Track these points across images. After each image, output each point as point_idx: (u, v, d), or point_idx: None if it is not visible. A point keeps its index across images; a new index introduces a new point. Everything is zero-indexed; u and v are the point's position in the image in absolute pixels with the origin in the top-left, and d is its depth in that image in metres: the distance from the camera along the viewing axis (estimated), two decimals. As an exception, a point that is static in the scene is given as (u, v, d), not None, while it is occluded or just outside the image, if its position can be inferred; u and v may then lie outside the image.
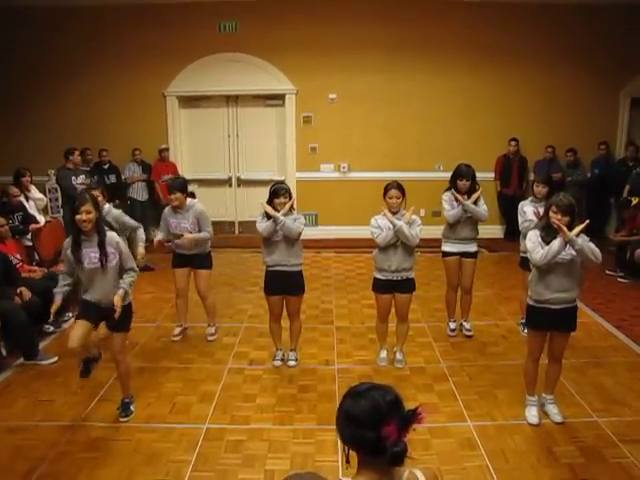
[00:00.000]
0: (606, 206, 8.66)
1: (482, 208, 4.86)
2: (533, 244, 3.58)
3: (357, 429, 1.55)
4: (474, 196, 4.83)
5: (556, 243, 3.45)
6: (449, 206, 4.89)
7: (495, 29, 8.43)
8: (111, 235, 3.66)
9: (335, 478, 2.92)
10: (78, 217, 3.52)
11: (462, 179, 4.79)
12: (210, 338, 5.20)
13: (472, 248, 5.01)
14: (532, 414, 3.81)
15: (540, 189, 4.65)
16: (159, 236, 5.08)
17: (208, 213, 5.07)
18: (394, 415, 1.53)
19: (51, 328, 5.34)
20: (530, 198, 4.84)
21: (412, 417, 1.55)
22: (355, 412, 1.56)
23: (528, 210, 4.65)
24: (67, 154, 7.50)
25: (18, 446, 3.55)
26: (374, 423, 1.52)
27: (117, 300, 3.55)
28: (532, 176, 8.67)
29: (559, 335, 3.70)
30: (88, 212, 3.53)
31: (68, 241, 3.67)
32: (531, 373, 3.83)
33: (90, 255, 3.57)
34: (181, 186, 4.94)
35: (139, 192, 8.58)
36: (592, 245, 3.48)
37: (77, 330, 3.66)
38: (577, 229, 3.45)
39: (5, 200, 6.00)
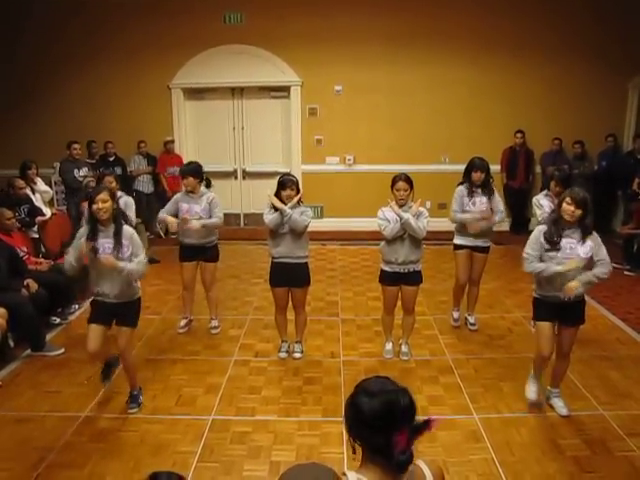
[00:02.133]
0: (613, 199, 8.61)
1: (498, 216, 4.82)
2: (528, 255, 3.60)
3: (367, 431, 1.53)
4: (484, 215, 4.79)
5: (551, 269, 3.49)
6: (458, 207, 4.84)
7: (500, 20, 8.35)
8: (126, 228, 3.68)
9: (340, 470, 2.93)
10: (95, 207, 3.54)
11: (477, 171, 4.75)
12: (214, 331, 5.21)
13: (484, 243, 4.96)
14: (531, 389, 3.81)
15: (558, 190, 4.50)
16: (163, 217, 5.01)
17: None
18: (406, 423, 1.52)
19: (57, 320, 5.36)
20: (545, 191, 4.81)
21: (423, 427, 1.54)
22: (367, 414, 1.52)
23: (545, 203, 4.62)
24: (68, 146, 7.52)
25: (26, 436, 3.58)
26: (385, 428, 1.50)
27: (109, 259, 3.53)
28: (539, 169, 8.65)
29: (566, 329, 3.69)
30: (104, 201, 3.55)
31: (82, 231, 3.66)
32: (539, 365, 3.81)
33: (105, 246, 3.58)
34: (194, 171, 4.91)
35: (145, 185, 8.59)
36: (598, 273, 3.48)
37: (92, 333, 3.71)
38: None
39: (11, 192, 6.01)
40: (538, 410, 3.85)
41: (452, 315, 5.27)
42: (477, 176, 4.77)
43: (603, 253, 3.49)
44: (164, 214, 4.98)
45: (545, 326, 3.69)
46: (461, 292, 5.19)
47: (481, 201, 4.81)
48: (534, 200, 4.88)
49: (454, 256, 5.08)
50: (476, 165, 4.78)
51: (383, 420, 1.51)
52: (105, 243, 3.59)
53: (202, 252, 5.04)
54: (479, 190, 4.80)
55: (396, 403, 1.52)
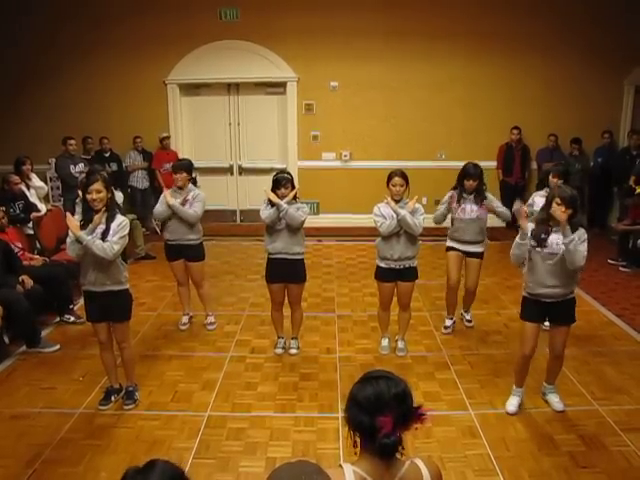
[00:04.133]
0: (609, 195, 8.63)
1: (503, 210, 4.80)
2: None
3: (357, 411, 1.58)
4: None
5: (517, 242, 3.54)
6: (442, 207, 4.77)
7: (496, 16, 8.33)
8: (119, 216, 3.65)
9: (336, 465, 2.93)
10: (88, 197, 3.52)
11: (469, 179, 4.64)
12: (210, 328, 5.20)
13: (478, 249, 4.85)
14: (511, 403, 3.81)
15: (556, 181, 4.55)
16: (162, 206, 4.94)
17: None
18: (394, 408, 1.54)
19: (72, 318, 5.29)
20: (546, 188, 4.77)
21: (411, 415, 1.56)
22: (359, 395, 1.60)
23: (538, 201, 4.54)
24: (63, 142, 7.50)
25: (21, 433, 3.57)
26: (372, 410, 1.54)
27: (72, 222, 3.52)
28: (534, 165, 8.66)
29: (557, 328, 3.69)
30: (98, 191, 3.52)
31: (77, 217, 3.68)
32: (520, 367, 3.80)
33: (97, 231, 3.57)
34: (187, 167, 4.92)
35: (139, 180, 8.56)
36: (581, 249, 3.39)
37: (97, 328, 3.79)
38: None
39: (6, 188, 5.97)
40: (534, 406, 3.86)
41: (444, 322, 5.14)
42: (469, 184, 4.66)
43: (582, 248, 3.42)
44: (160, 205, 4.93)
45: (530, 326, 3.69)
46: (454, 297, 5.06)
47: (471, 208, 4.71)
48: (532, 196, 4.87)
49: (446, 257, 5.00)
50: (469, 173, 4.65)
51: (370, 402, 1.56)
52: (97, 229, 3.57)
53: (186, 251, 5.00)
54: (471, 197, 4.71)
55: (386, 388, 1.57)
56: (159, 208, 4.92)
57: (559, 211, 3.38)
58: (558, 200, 3.40)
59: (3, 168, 6.92)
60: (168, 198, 4.83)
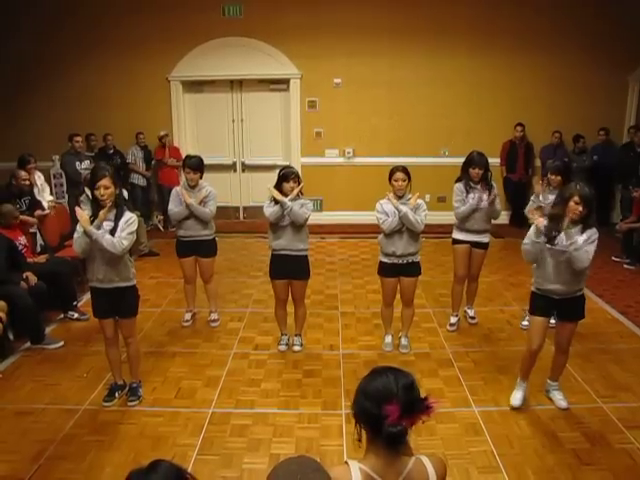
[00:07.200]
0: (609, 192, 8.58)
1: (497, 208, 4.75)
2: (524, 243, 3.59)
3: (364, 402, 1.60)
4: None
5: (531, 237, 3.50)
6: (459, 203, 4.74)
7: (501, 13, 8.31)
8: (127, 213, 3.65)
9: (340, 461, 2.93)
10: (96, 192, 3.52)
11: (475, 167, 4.63)
12: (213, 324, 5.21)
13: (484, 239, 4.86)
14: (516, 397, 3.80)
15: (553, 178, 4.54)
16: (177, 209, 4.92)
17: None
18: (402, 398, 1.55)
19: (75, 315, 5.31)
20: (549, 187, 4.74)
21: (418, 404, 1.56)
22: (367, 387, 1.61)
23: (551, 197, 4.49)
24: (69, 139, 7.50)
25: (26, 429, 3.58)
26: (380, 400, 1.55)
27: (83, 215, 3.49)
28: (538, 162, 8.64)
29: (565, 323, 3.68)
30: (106, 187, 3.52)
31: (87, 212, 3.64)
32: (527, 362, 3.78)
33: (105, 228, 3.56)
34: (200, 168, 4.91)
35: (140, 178, 8.55)
36: (581, 251, 3.37)
37: (104, 324, 3.80)
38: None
39: (14, 183, 5.96)
40: (538, 403, 3.86)
41: (450, 319, 5.12)
42: (475, 173, 4.65)
43: (591, 248, 3.40)
44: (174, 206, 4.89)
45: (538, 321, 3.67)
46: (460, 292, 5.08)
47: (481, 197, 4.68)
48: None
49: (452, 251, 5.02)
50: (475, 161, 4.64)
51: (378, 392, 1.58)
52: (105, 225, 3.58)
53: (198, 247, 5.00)
54: (478, 186, 4.69)
55: (394, 380, 1.59)
56: (175, 209, 4.88)
57: (577, 210, 3.34)
58: (577, 199, 3.34)
59: (7, 165, 6.92)
60: (186, 197, 4.81)
